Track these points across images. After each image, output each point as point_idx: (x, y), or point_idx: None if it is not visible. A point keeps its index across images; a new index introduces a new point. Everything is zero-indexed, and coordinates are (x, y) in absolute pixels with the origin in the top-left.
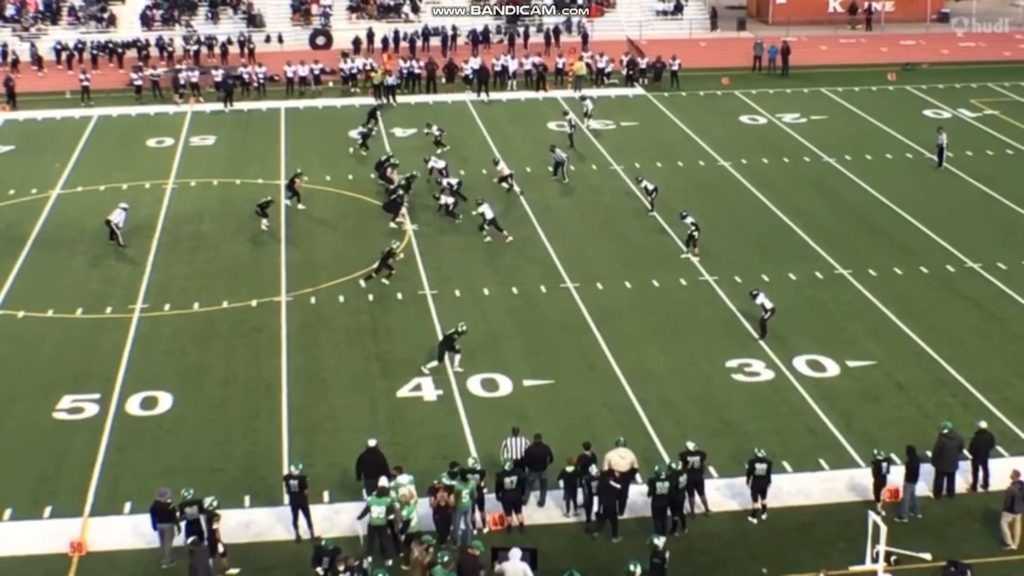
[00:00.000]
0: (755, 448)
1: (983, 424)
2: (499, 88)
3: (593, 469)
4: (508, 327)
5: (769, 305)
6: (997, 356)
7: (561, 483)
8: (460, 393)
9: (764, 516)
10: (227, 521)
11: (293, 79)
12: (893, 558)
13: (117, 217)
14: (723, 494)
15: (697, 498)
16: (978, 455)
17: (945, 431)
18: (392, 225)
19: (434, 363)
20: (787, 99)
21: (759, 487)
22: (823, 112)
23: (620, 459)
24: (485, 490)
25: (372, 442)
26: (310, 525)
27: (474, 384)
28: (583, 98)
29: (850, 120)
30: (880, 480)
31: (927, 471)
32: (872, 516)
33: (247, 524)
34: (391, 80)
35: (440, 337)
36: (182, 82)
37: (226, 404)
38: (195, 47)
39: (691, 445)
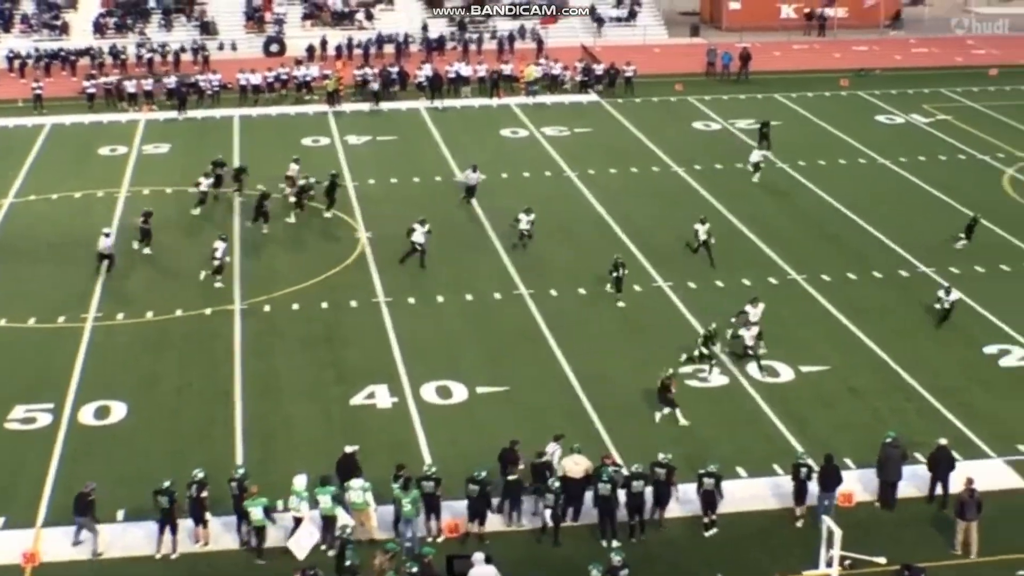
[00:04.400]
0: (707, 462)
1: (943, 441)
2: (453, 95)
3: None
4: (462, 334)
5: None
6: (952, 361)
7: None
8: (414, 401)
9: (714, 531)
10: (179, 530)
11: (246, 87)
12: (847, 562)
13: (103, 245)
14: (679, 500)
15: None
16: (938, 472)
17: (888, 440)
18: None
19: None
20: (741, 105)
21: (708, 502)
22: (777, 118)
23: (575, 466)
24: (441, 497)
25: (349, 448)
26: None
27: (428, 391)
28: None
29: (803, 126)
30: (800, 485)
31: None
32: (826, 521)
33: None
34: (374, 85)
35: (395, 345)
36: (131, 90)
37: (180, 413)
38: (148, 55)
39: (661, 456)
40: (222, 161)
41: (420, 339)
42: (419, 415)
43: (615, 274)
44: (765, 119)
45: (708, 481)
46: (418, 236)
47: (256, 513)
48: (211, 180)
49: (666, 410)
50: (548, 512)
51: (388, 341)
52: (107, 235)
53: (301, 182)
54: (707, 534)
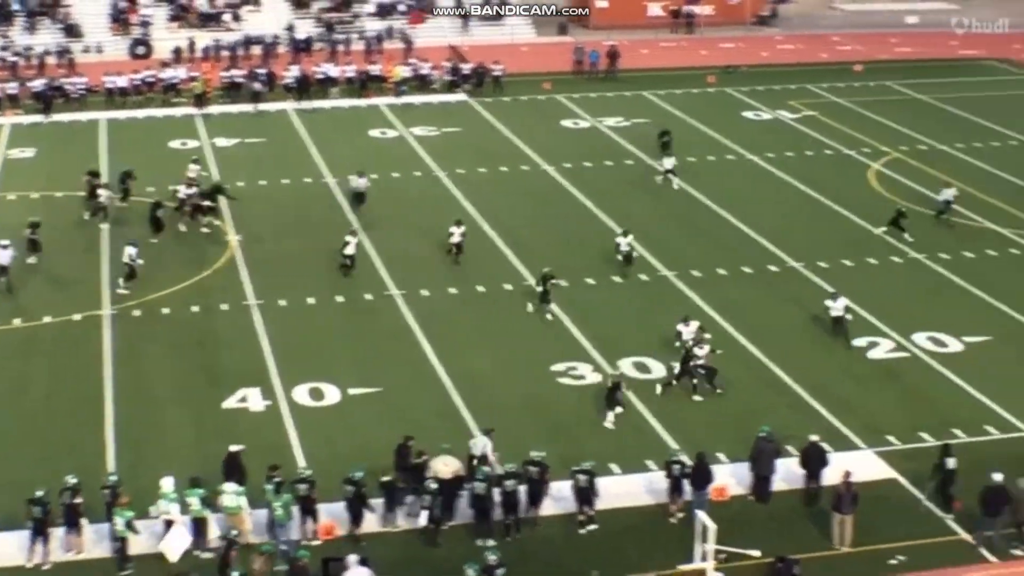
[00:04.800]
0: (581, 459)
1: (814, 437)
2: (321, 97)
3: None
4: (334, 336)
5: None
6: (821, 355)
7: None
8: (287, 403)
9: (592, 527)
10: (51, 539)
11: (113, 90)
12: (722, 556)
13: (3, 258)
14: (553, 497)
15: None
16: (811, 467)
17: (762, 434)
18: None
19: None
20: (609, 103)
21: (582, 498)
22: (645, 115)
23: (444, 467)
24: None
25: (234, 448)
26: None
27: (300, 394)
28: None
29: (672, 123)
30: (674, 481)
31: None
32: (700, 516)
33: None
34: (256, 85)
35: (267, 347)
36: None
37: (50, 419)
38: (13, 58)
39: (533, 454)
40: (96, 171)
41: (292, 341)
42: (292, 417)
43: (542, 287)
44: (664, 129)
45: (582, 478)
46: (456, 237)
47: (119, 524)
48: (115, 193)
49: (618, 410)
50: (426, 513)
51: (260, 344)
52: (5, 246)
53: (186, 192)
54: (584, 531)
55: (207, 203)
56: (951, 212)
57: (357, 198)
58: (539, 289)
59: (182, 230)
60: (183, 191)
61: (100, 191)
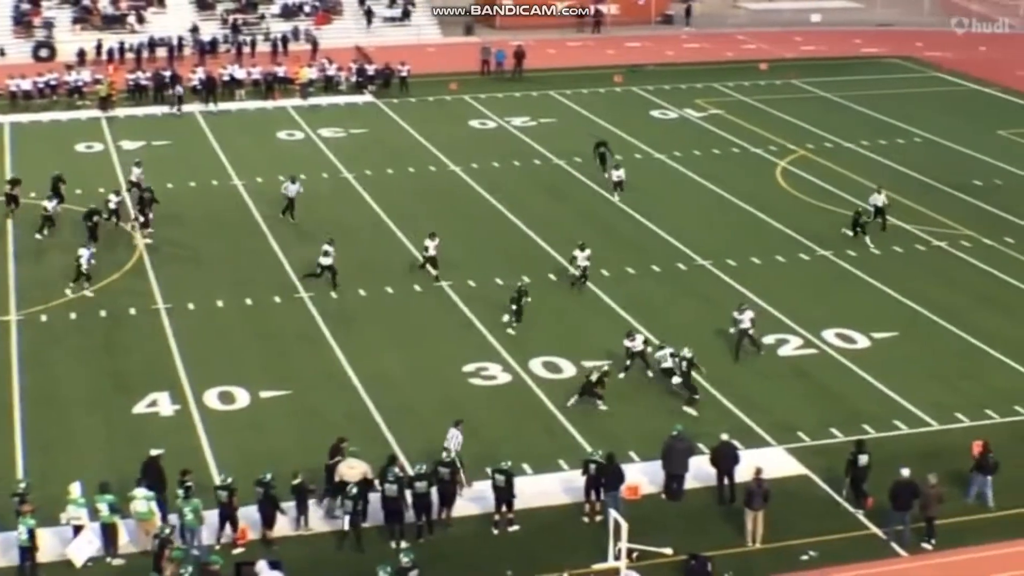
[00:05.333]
0: (493, 462)
1: (725, 436)
2: (228, 98)
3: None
4: (243, 339)
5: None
6: (728, 352)
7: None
8: (197, 407)
9: (511, 528)
10: None
11: (16, 93)
12: (635, 555)
13: None
14: (466, 498)
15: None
16: (722, 465)
17: (674, 433)
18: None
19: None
20: (516, 103)
21: (500, 498)
22: (552, 115)
23: (350, 469)
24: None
25: (154, 452)
26: None
27: (211, 397)
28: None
29: (579, 122)
30: (590, 480)
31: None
32: (613, 514)
33: None
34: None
35: (176, 351)
36: None
37: None
38: None
39: (444, 455)
40: (16, 179)
41: (201, 345)
42: (203, 421)
43: (517, 305)
44: (601, 140)
45: (499, 478)
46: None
47: (22, 532)
48: (55, 201)
49: (599, 402)
50: (347, 517)
51: (169, 348)
52: None
53: (116, 201)
54: (499, 531)
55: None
56: (884, 215)
57: (290, 203)
58: (513, 307)
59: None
60: (113, 200)
61: (46, 203)
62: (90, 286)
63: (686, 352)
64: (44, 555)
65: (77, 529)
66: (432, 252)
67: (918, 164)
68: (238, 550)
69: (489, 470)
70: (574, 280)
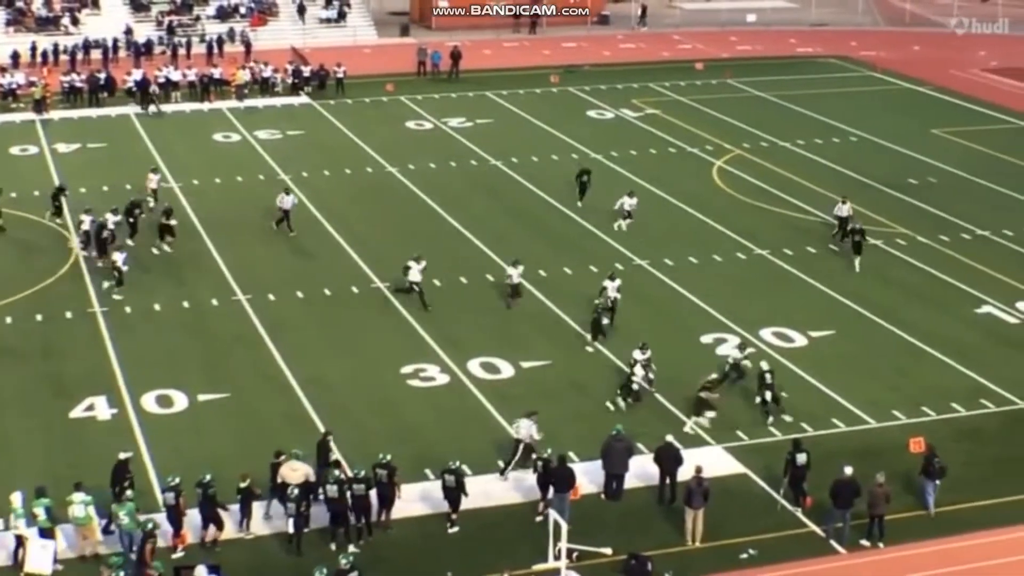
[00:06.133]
0: (438, 462)
1: (668, 437)
2: (163, 100)
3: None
4: (181, 342)
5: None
6: (670, 352)
7: (238, 499)
8: (135, 411)
9: (455, 528)
10: None
11: None
12: (575, 555)
13: None
14: (405, 500)
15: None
16: (664, 466)
17: (614, 433)
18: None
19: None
20: (453, 103)
21: (449, 497)
22: (489, 116)
23: (292, 472)
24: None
25: (123, 455)
26: None
27: (148, 401)
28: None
29: (516, 123)
30: (540, 479)
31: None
32: (552, 514)
33: None
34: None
35: (113, 355)
36: None
37: None
38: None
39: (381, 457)
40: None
41: (138, 348)
42: (141, 425)
43: (605, 320)
44: (585, 168)
45: (448, 478)
46: (414, 274)
47: None
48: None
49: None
50: (292, 520)
51: (106, 351)
52: None
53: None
54: (449, 531)
55: (168, 222)
56: (846, 226)
57: (285, 215)
58: (604, 322)
59: (157, 252)
60: (111, 220)
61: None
62: (119, 290)
63: (764, 366)
64: None
65: (19, 540)
66: (516, 280)
67: (853, 163)
68: (178, 554)
69: (441, 471)
70: (508, 296)
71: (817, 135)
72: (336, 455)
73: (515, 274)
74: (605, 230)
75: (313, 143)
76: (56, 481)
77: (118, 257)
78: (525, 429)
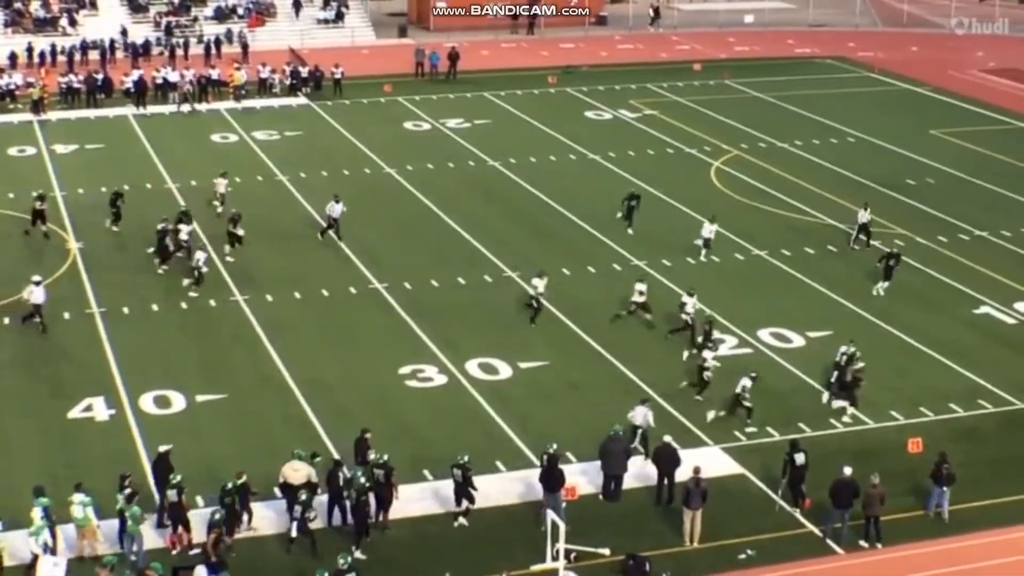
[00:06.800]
0: (437, 463)
1: (667, 438)
2: (161, 101)
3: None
4: (179, 343)
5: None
6: (666, 353)
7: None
8: (133, 412)
9: (461, 521)
10: None
11: None
12: (573, 555)
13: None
14: (403, 500)
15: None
16: (663, 467)
17: (611, 434)
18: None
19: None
20: (451, 104)
21: (457, 493)
22: (487, 116)
23: (294, 472)
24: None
25: (163, 448)
26: None
27: (146, 402)
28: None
29: (514, 123)
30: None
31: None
32: (550, 515)
33: None
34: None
35: (111, 356)
36: None
37: None
38: None
39: (378, 457)
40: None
41: (137, 349)
42: (139, 426)
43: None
44: (634, 192)
45: (456, 472)
46: (539, 288)
47: None
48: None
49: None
50: (295, 523)
51: (104, 352)
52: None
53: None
54: (459, 524)
55: (235, 230)
56: (867, 232)
57: (331, 224)
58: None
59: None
60: (184, 232)
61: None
62: (199, 288)
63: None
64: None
65: (35, 556)
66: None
67: (851, 164)
68: (174, 551)
69: (450, 465)
70: (534, 309)
71: (815, 136)
72: (373, 454)
73: (540, 285)
74: (603, 231)
75: (311, 144)
76: (54, 481)
77: (200, 256)
78: (641, 416)
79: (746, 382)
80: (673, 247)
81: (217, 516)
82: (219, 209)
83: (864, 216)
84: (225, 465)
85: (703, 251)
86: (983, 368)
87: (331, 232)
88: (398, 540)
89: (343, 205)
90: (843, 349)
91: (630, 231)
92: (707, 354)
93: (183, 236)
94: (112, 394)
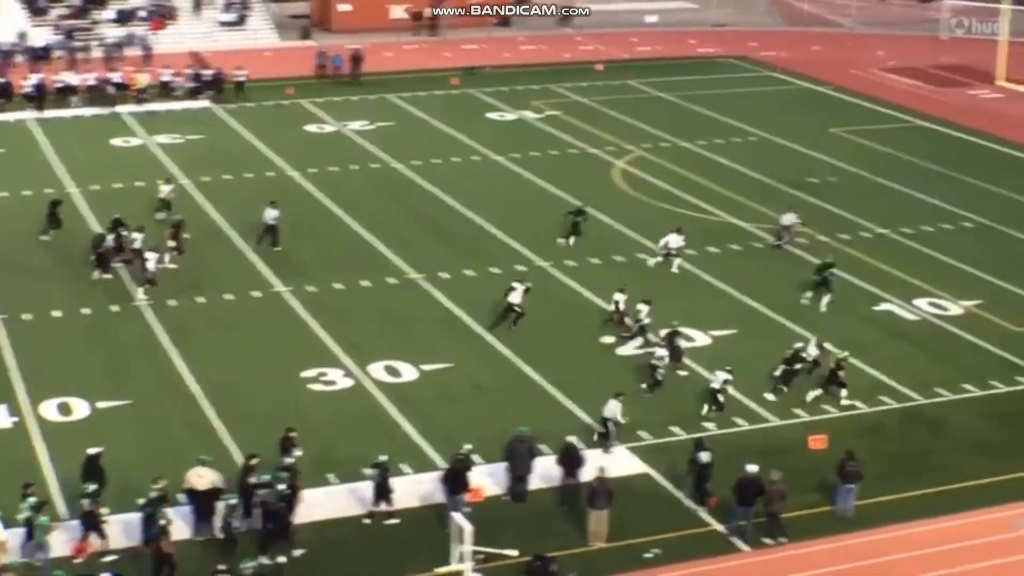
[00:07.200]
0: (334, 467)
1: (571, 438)
2: (60, 106)
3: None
4: (81, 349)
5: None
6: (570, 353)
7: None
8: (34, 419)
9: (387, 522)
10: None
11: None
12: (480, 557)
13: None
14: (307, 504)
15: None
16: (568, 467)
17: (517, 434)
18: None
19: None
20: (354, 106)
21: (378, 494)
22: (390, 118)
23: (198, 478)
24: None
25: (92, 450)
26: None
27: (48, 409)
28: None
29: (417, 125)
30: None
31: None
32: (455, 517)
33: None
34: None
35: (12, 363)
36: None
37: None
38: None
39: (285, 460)
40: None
41: (37, 355)
42: (40, 433)
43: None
44: (579, 207)
45: (371, 472)
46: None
47: None
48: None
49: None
50: (219, 527)
51: (3, 359)
52: None
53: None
54: (384, 523)
55: (174, 239)
56: (791, 236)
57: (268, 231)
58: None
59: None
60: (138, 240)
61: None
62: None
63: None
64: None
65: None
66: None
67: (754, 162)
68: (77, 560)
69: (332, 476)
70: (514, 318)
71: (717, 135)
72: (616, 415)
73: (520, 290)
74: (507, 232)
75: (214, 147)
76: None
77: (150, 257)
78: (610, 410)
79: (726, 376)
80: (576, 247)
81: (163, 522)
82: (160, 216)
83: (789, 219)
84: (130, 471)
85: (676, 261)
86: (885, 365)
87: (267, 239)
88: (302, 544)
89: (279, 210)
90: (798, 345)
91: (569, 242)
92: (659, 352)
93: (136, 245)
94: (13, 401)
